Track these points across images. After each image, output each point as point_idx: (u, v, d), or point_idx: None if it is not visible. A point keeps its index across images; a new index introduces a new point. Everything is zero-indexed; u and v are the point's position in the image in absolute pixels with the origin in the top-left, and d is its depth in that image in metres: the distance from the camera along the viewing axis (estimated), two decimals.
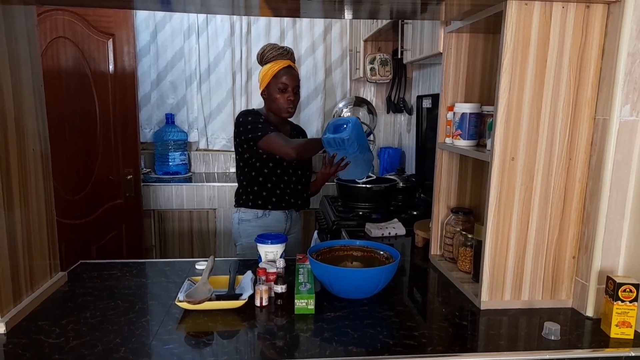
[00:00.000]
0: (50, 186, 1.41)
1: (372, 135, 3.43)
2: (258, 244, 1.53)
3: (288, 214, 2.00)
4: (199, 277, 1.37)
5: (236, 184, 2.04)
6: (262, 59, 1.92)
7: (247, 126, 1.86)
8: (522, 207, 1.26)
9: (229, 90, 3.42)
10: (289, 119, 2.04)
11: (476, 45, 1.57)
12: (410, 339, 1.12)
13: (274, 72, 1.87)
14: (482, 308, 1.28)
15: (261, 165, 1.90)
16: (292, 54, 1.94)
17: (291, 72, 1.89)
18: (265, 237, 1.54)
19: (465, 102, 1.57)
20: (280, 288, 1.32)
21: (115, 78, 2.77)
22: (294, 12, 1.59)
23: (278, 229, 1.97)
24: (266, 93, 1.93)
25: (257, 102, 3.39)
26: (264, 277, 1.34)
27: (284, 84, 1.87)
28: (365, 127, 3.38)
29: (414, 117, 2.97)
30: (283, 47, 1.91)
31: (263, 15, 1.76)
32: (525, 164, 1.24)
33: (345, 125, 1.79)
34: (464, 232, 1.50)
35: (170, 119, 3.32)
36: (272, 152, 1.85)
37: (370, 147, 3.04)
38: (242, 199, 1.96)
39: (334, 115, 3.46)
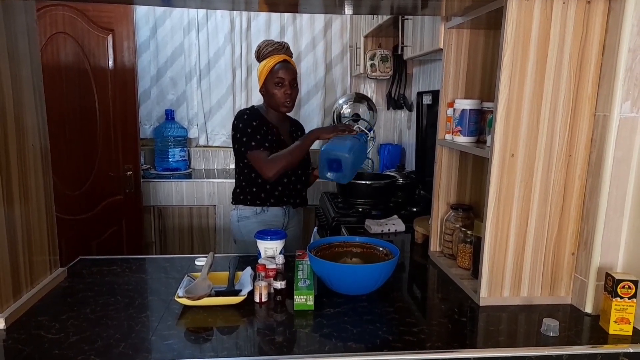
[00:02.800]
0: (50, 182, 1.40)
1: (372, 132, 3.42)
2: (257, 240, 1.53)
3: (286, 209, 1.99)
4: (199, 273, 1.37)
5: None
6: (259, 56, 1.92)
7: (243, 135, 1.86)
8: (521, 203, 1.26)
9: (229, 86, 3.41)
10: (289, 115, 2.04)
11: (477, 41, 1.57)
12: (410, 335, 1.12)
13: (270, 67, 1.87)
14: (481, 304, 1.29)
15: None
16: (288, 48, 1.92)
17: (287, 66, 1.88)
18: (265, 233, 1.54)
19: (466, 98, 1.57)
20: (279, 284, 1.32)
21: (115, 74, 2.77)
22: (292, 8, 1.58)
23: (276, 224, 1.97)
24: (264, 89, 1.92)
25: (257, 98, 3.38)
26: (263, 273, 1.34)
27: (281, 78, 1.87)
28: (365, 124, 3.39)
29: (414, 113, 2.97)
30: (278, 42, 1.90)
31: (261, 10, 1.76)
32: (525, 161, 1.24)
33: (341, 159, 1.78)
34: (463, 229, 1.50)
35: (170, 115, 3.31)
36: (254, 167, 1.86)
37: (371, 145, 3.05)
38: (241, 197, 1.96)
39: (334, 113, 3.45)
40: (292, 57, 1.95)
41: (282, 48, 1.90)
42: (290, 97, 1.90)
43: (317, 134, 1.85)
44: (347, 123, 2.00)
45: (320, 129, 1.89)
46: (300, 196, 2.02)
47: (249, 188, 1.93)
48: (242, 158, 1.90)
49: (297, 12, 3.17)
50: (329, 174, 1.83)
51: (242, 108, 2.03)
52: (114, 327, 1.15)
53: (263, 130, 1.89)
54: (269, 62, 1.87)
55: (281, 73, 1.87)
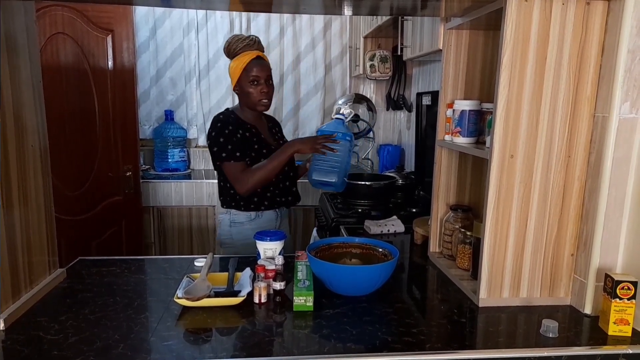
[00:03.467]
0: (49, 182, 1.40)
1: (371, 133, 3.43)
2: (257, 241, 1.53)
3: (278, 212, 1.96)
4: (198, 274, 1.37)
5: None
6: (230, 52, 1.83)
7: (214, 145, 1.79)
8: (521, 204, 1.26)
9: (228, 87, 3.41)
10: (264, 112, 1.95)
11: (476, 42, 1.57)
12: (409, 336, 1.12)
13: (243, 65, 1.78)
14: (480, 305, 1.29)
15: None
16: (260, 42, 1.84)
17: (262, 63, 1.80)
18: (264, 234, 1.54)
19: (465, 99, 1.57)
20: (279, 285, 1.32)
21: (115, 74, 2.77)
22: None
23: (270, 227, 1.91)
24: (238, 88, 1.84)
25: None
26: (262, 274, 1.34)
27: (256, 76, 1.78)
28: (364, 125, 3.39)
29: (413, 114, 2.97)
30: (249, 37, 1.81)
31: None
32: (525, 162, 1.24)
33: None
34: (462, 230, 1.50)
35: (169, 115, 3.31)
36: (228, 179, 1.81)
37: (370, 145, 3.03)
38: (234, 202, 1.88)
39: (334, 111, 3.45)
40: (264, 51, 1.86)
41: (254, 43, 1.81)
42: (267, 95, 1.82)
43: (296, 148, 1.76)
44: (338, 113, 1.87)
45: (299, 143, 1.79)
46: (292, 193, 1.97)
47: (239, 195, 1.84)
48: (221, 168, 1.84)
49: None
50: (321, 188, 1.86)
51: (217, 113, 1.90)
52: (113, 328, 1.15)
53: (238, 135, 1.80)
54: (242, 60, 1.79)
55: (256, 71, 1.78)
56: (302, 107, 3.50)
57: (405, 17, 2.29)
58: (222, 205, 1.94)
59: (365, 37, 3.05)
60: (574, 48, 1.20)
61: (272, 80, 1.86)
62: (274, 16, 3.36)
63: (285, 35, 3.40)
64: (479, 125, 1.46)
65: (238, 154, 1.77)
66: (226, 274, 1.41)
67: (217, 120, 1.83)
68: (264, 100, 1.82)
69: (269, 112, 2.06)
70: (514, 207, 1.26)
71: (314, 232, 2.48)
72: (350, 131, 1.86)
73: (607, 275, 1.15)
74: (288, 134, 3.47)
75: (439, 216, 1.68)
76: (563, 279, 1.30)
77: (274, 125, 2.05)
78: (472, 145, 1.45)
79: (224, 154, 1.77)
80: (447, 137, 1.56)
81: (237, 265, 1.48)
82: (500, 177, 1.24)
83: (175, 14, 3.30)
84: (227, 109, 1.91)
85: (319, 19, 3.41)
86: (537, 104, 1.22)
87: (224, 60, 3.38)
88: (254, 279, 1.34)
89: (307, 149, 1.77)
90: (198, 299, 1.22)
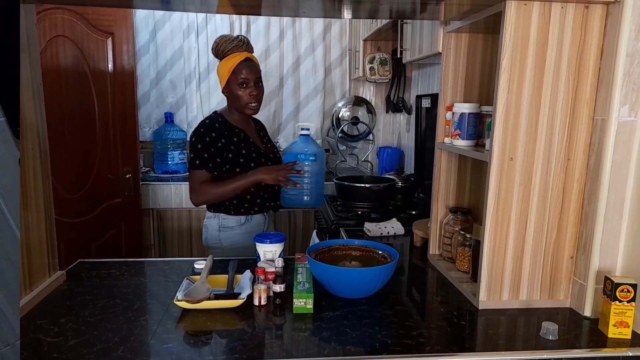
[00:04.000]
0: (49, 185, 1.40)
1: (371, 135, 3.43)
2: (257, 243, 1.53)
3: (266, 216, 1.95)
4: (198, 276, 1.37)
5: None
6: (218, 54, 1.80)
7: (191, 151, 1.77)
8: (520, 207, 1.26)
9: None
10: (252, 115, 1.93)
11: (475, 45, 1.57)
12: (409, 338, 1.12)
13: (232, 67, 1.75)
14: (480, 308, 1.29)
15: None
16: (249, 43, 1.81)
17: (250, 65, 1.77)
18: (264, 237, 1.54)
19: (464, 102, 1.58)
20: (278, 287, 1.32)
21: (115, 77, 2.77)
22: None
23: (258, 231, 1.89)
24: (227, 90, 1.81)
25: None
26: (262, 277, 1.34)
27: (245, 79, 1.76)
28: (364, 127, 3.39)
29: (413, 116, 2.97)
30: (238, 38, 1.79)
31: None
32: (524, 164, 1.24)
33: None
34: (462, 232, 1.50)
35: (169, 117, 3.31)
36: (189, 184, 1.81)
37: (370, 147, 3.03)
38: (224, 206, 1.86)
39: (333, 116, 3.46)
40: (253, 52, 1.83)
41: (243, 44, 1.79)
42: (256, 99, 1.79)
43: (258, 178, 1.75)
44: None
45: (262, 173, 1.75)
46: (280, 197, 1.93)
47: (228, 200, 1.84)
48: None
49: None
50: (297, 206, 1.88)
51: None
52: (112, 330, 1.15)
53: (219, 144, 1.76)
54: (231, 61, 1.76)
55: (245, 73, 1.75)
56: (302, 110, 3.51)
57: (404, 21, 2.29)
58: (210, 209, 1.91)
59: (365, 40, 3.06)
60: (573, 51, 1.20)
61: (261, 83, 1.83)
62: (274, 19, 3.36)
63: (285, 38, 3.41)
64: (479, 128, 1.47)
65: (211, 164, 1.76)
66: (226, 276, 1.41)
67: (201, 125, 1.80)
68: (253, 104, 1.80)
69: (265, 115, 2.05)
70: (513, 209, 1.26)
71: (314, 235, 2.48)
72: (318, 147, 1.84)
73: (606, 278, 1.15)
74: (288, 136, 3.48)
75: (439, 218, 1.68)
76: (563, 281, 1.30)
77: (261, 129, 2.03)
78: (471, 147, 1.45)
79: (197, 162, 1.75)
80: (447, 140, 1.56)
81: (237, 267, 1.48)
82: (499, 179, 1.24)
83: (175, 16, 3.30)
84: (215, 112, 1.88)
85: (319, 22, 3.41)
86: (537, 107, 1.22)
87: None
88: (253, 282, 1.34)
89: (270, 180, 1.76)
90: (198, 302, 1.22)
